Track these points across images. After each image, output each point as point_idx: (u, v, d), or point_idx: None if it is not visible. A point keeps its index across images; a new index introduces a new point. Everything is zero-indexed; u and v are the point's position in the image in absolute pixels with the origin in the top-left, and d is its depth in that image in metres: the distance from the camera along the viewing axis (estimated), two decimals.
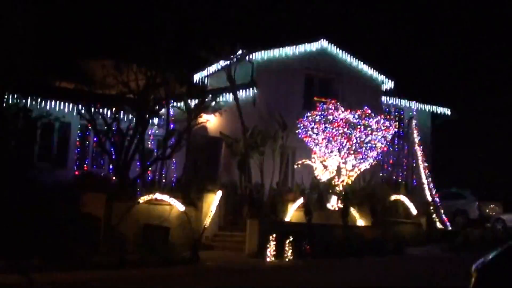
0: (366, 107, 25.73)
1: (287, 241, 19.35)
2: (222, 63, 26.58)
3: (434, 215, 27.95)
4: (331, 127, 24.98)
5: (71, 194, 18.01)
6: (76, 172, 23.11)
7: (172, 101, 23.47)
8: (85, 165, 24.48)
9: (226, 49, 24.87)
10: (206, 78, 30.65)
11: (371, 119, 25.39)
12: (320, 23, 43.33)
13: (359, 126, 25.10)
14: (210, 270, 16.52)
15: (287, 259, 18.88)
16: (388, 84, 31.68)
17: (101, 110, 21.31)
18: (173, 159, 23.73)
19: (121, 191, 19.21)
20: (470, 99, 38.61)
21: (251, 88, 27.32)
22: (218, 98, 24.80)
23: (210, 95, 24.59)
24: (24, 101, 20.83)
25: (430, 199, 29.01)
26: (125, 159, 20.49)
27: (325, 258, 19.33)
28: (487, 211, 31.38)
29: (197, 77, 31.06)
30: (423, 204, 28.02)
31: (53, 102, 23.18)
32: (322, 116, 25.23)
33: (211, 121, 25.66)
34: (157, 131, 24.89)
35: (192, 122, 23.41)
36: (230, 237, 21.17)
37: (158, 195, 19.46)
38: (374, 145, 25.54)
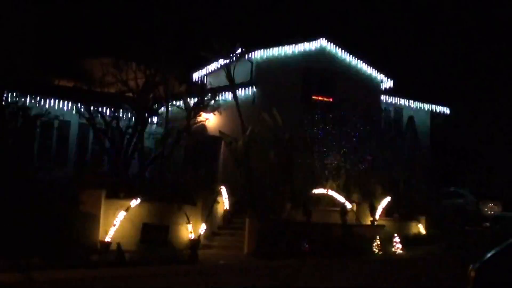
0: (365, 106, 25.75)
1: (286, 240, 19.35)
2: (221, 61, 26.58)
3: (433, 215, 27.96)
4: (331, 126, 24.99)
5: (70, 193, 18.00)
6: (75, 171, 23.10)
7: (171, 99, 23.47)
8: (84, 164, 24.47)
9: (226, 48, 24.88)
10: (205, 77, 30.66)
11: (370, 118, 25.41)
12: (319, 22, 43.39)
13: (358, 125, 25.12)
14: (209, 269, 16.52)
15: (286, 258, 18.86)
16: (387, 83, 31.70)
17: (100, 109, 21.32)
18: (172, 158, 23.72)
19: (120, 190, 19.20)
20: (469, 98, 38.62)
21: (250, 87, 27.34)
22: (217, 97, 24.80)
23: (210, 94, 24.60)
24: (23, 99, 20.83)
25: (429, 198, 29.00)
26: (124, 158, 20.49)
27: (325, 257, 19.33)
28: (486, 210, 31.42)
29: (196, 75, 31.08)
30: (422, 203, 28.00)
31: (52, 101, 23.20)
32: (321, 115, 25.24)
33: (210, 120, 25.65)
34: (156, 130, 24.88)
35: (191, 121, 23.41)
36: (229, 236, 21.17)
37: (158, 194, 19.46)
38: (373, 144, 25.56)
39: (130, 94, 21.66)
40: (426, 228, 26.34)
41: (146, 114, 21.33)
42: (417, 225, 25.96)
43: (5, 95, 19.55)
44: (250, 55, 27.38)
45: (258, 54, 27.74)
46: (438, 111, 35.45)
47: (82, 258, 15.07)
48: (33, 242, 14.78)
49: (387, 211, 25.35)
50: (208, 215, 19.96)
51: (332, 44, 29.98)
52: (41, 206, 16.22)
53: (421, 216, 26.44)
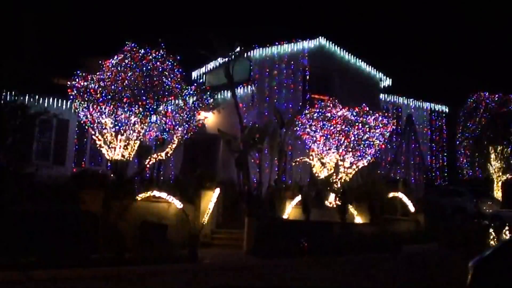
0: (364, 104, 25.75)
1: (285, 238, 19.36)
2: (220, 60, 26.58)
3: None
4: (329, 125, 25.00)
5: (69, 191, 17.99)
6: (74, 170, 23.10)
7: (170, 98, 23.43)
8: (83, 162, 24.47)
9: (224, 46, 24.86)
10: (204, 75, 30.66)
11: (369, 117, 25.41)
12: (318, 20, 43.36)
13: (357, 124, 25.13)
14: (208, 268, 16.52)
15: (285, 257, 18.87)
16: (386, 82, 31.74)
17: (98, 107, 21.26)
18: (171, 157, 23.72)
19: (119, 189, 19.19)
20: (469, 96, 38.60)
21: (249, 86, 27.33)
22: (216, 95, 24.79)
23: (208, 92, 24.59)
24: (22, 98, 20.79)
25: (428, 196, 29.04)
26: (122, 157, 20.47)
27: (323, 255, 19.34)
28: (485, 208, 31.48)
29: (195, 74, 31.08)
30: (421, 202, 28.05)
31: (51, 99, 23.19)
32: (320, 114, 25.26)
33: (209, 118, 25.64)
34: (155, 128, 24.85)
35: (190, 119, 23.39)
36: (228, 234, 21.18)
37: (156, 193, 19.47)
38: (372, 142, 25.57)
39: (129, 93, 21.61)
40: (425, 226, 26.37)
41: (145, 113, 21.27)
42: (416, 223, 25.98)
43: (3, 93, 19.51)
44: (249, 53, 27.38)
45: (257, 53, 27.75)
46: (437, 109, 35.49)
47: (82, 257, 15.06)
48: (32, 240, 14.78)
49: (386, 210, 25.37)
50: (207, 213, 19.96)
51: (331, 42, 30.01)
52: (40, 204, 16.22)
53: (420, 214, 26.46)
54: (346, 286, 14.71)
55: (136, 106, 20.12)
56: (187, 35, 23.07)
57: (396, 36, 46.83)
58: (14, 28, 20.62)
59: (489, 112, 37.75)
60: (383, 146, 26.84)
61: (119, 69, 20.39)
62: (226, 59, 25.36)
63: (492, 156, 37.05)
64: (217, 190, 21.11)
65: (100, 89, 20.05)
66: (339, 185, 25.23)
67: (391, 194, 26.80)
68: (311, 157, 25.82)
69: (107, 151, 20.56)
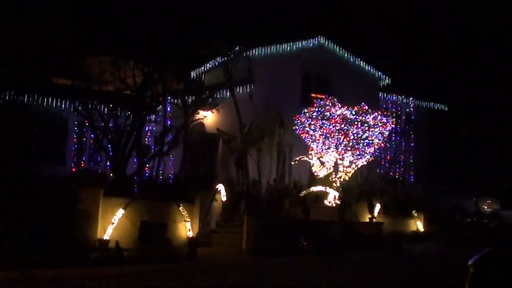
0: (363, 103, 25.76)
1: (285, 237, 19.37)
2: (219, 59, 26.57)
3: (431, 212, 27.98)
4: (328, 124, 25.02)
5: (68, 191, 17.97)
6: (74, 169, 23.10)
7: (169, 97, 23.46)
8: (82, 162, 24.47)
9: (223, 45, 24.87)
10: (203, 75, 30.63)
11: (368, 115, 25.42)
12: (317, 19, 43.37)
13: (356, 123, 25.14)
14: (207, 267, 16.54)
15: (284, 256, 18.89)
16: (385, 80, 31.71)
17: (98, 107, 21.29)
18: (170, 156, 23.74)
19: (119, 188, 19.20)
20: (468, 95, 38.59)
21: (248, 85, 27.33)
22: (215, 95, 24.80)
23: (207, 92, 24.61)
24: (21, 98, 20.81)
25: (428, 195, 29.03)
26: (122, 156, 20.49)
27: (322, 254, 19.36)
28: (484, 207, 31.48)
29: (194, 73, 31.06)
30: (421, 201, 28.05)
31: (50, 99, 23.19)
32: (319, 113, 25.27)
33: (208, 118, 25.67)
34: (154, 128, 24.89)
35: (189, 119, 23.43)
36: (227, 233, 21.17)
37: (157, 192, 19.47)
38: (371, 141, 25.60)
39: (128, 92, 21.64)
40: (425, 225, 26.37)
41: (144, 112, 21.30)
42: (415, 222, 25.98)
43: (4, 93, 19.53)
44: (248, 52, 27.36)
45: (256, 52, 27.73)
46: (436, 108, 35.49)
47: (81, 256, 15.07)
48: (32, 240, 14.79)
49: (385, 209, 25.38)
50: (206, 212, 19.98)
51: (330, 41, 29.98)
52: (39, 203, 16.22)
53: (419, 213, 26.46)
54: (345, 285, 14.71)
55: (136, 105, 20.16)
56: (186, 34, 23.00)
57: (395, 34, 46.77)
58: (14, 28, 20.63)
59: None
60: (382, 145, 26.85)
61: None
62: (225, 58, 25.36)
63: None
64: (216, 189, 21.13)
65: None
66: (338, 184, 25.23)
67: (390, 193, 26.80)
68: (310, 156, 25.84)
69: (108, 150, 20.59)
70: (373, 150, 26.02)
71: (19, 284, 12.58)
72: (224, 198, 21.92)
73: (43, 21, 24.67)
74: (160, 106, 23.02)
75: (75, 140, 24.56)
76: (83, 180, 18.59)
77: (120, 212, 17.79)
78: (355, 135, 25.18)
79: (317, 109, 25.41)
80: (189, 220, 18.84)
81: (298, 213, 21.82)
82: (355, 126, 25.09)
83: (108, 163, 22.40)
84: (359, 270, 17.49)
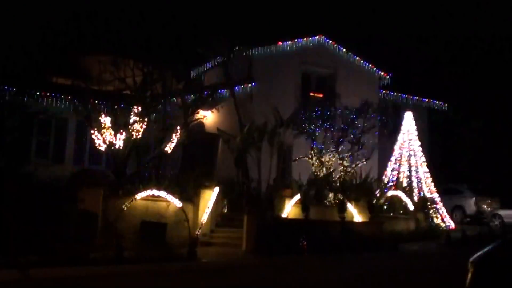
0: (363, 102, 25.75)
1: (285, 237, 19.35)
2: (219, 59, 26.56)
3: (431, 211, 27.95)
4: (328, 123, 25.00)
5: (68, 190, 17.97)
6: (73, 169, 23.08)
7: (169, 97, 23.44)
8: (82, 162, 24.47)
9: (223, 45, 24.86)
10: (203, 74, 30.64)
11: (369, 115, 25.42)
12: (317, 18, 43.36)
13: (356, 122, 25.14)
14: (207, 267, 16.52)
15: (284, 255, 18.87)
16: (385, 79, 31.70)
17: (98, 106, 21.28)
18: (170, 156, 23.70)
19: (118, 187, 19.19)
20: (468, 94, 38.61)
21: (248, 84, 27.31)
22: (215, 94, 24.78)
23: (207, 91, 24.59)
24: (21, 97, 20.80)
25: (428, 195, 28.99)
26: (122, 156, 20.47)
27: (322, 254, 19.34)
28: (484, 206, 31.48)
29: (194, 73, 31.06)
30: (421, 200, 28.04)
31: (50, 98, 23.19)
32: (319, 112, 25.25)
33: (208, 117, 25.66)
34: (154, 127, 24.85)
35: (189, 118, 23.40)
36: (227, 233, 21.16)
37: (155, 192, 19.44)
38: (371, 141, 25.59)
39: (128, 92, 21.63)
40: (425, 225, 26.37)
41: (144, 112, 21.29)
42: (415, 221, 25.97)
43: (3, 92, 19.52)
44: (248, 52, 27.36)
45: (256, 51, 27.72)
46: (436, 107, 35.48)
47: (80, 255, 15.05)
48: (31, 239, 14.77)
49: (385, 208, 25.37)
50: (206, 212, 19.96)
51: (330, 40, 29.98)
52: (39, 203, 16.21)
53: (419, 212, 26.45)
54: (345, 284, 14.71)
55: (136, 105, 20.14)
56: (186, 33, 23.01)
57: (395, 33, 46.78)
58: (13, 28, 20.61)
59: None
60: (382, 144, 26.84)
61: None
62: (225, 57, 25.35)
63: None
64: (216, 189, 21.10)
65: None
66: (338, 184, 25.21)
67: (390, 193, 26.79)
68: (310, 156, 25.81)
69: (106, 150, 20.58)
70: (373, 149, 26.01)
71: (19, 284, 12.58)
72: (224, 198, 21.91)
73: (43, 20, 24.63)
74: (160, 105, 22.99)
75: (75, 140, 24.55)
76: (83, 180, 18.59)
77: (120, 212, 17.79)
78: (355, 134, 25.17)
79: (317, 108, 25.40)
80: (189, 220, 18.83)
81: (298, 213, 21.82)
82: (355, 126, 25.08)
83: (108, 163, 22.38)
84: (359, 269, 17.49)
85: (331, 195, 24.51)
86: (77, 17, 25.41)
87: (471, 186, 33.14)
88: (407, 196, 26.90)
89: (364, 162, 26.13)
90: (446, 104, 35.65)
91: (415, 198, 27.90)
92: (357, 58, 30.68)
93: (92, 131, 20.76)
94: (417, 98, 34.50)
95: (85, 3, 26.38)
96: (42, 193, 17.11)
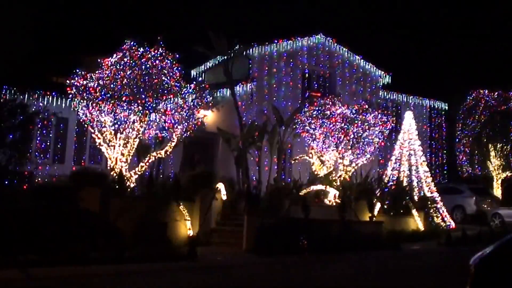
0: (363, 101, 25.76)
1: (285, 236, 19.34)
2: (219, 58, 26.55)
3: (432, 210, 27.94)
4: (329, 122, 24.99)
5: (68, 189, 17.97)
6: (74, 168, 23.08)
7: (169, 96, 23.39)
8: (82, 161, 24.46)
9: (223, 44, 24.83)
10: (203, 73, 30.63)
11: (369, 114, 25.40)
12: (317, 18, 43.33)
13: (356, 121, 25.12)
14: (207, 266, 16.52)
15: (284, 255, 18.86)
16: (386, 79, 31.70)
17: (98, 106, 21.24)
18: (170, 155, 23.69)
19: (119, 187, 19.18)
20: (468, 93, 38.57)
21: (248, 84, 27.30)
22: (215, 93, 24.76)
23: (207, 91, 24.56)
24: (21, 96, 20.79)
25: (428, 194, 28.99)
26: (122, 155, 20.45)
27: (322, 253, 19.34)
28: (485, 206, 31.46)
29: (194, 72, 31.05)
30: (421, 199, 28.03)
31: (50, 98, 23.18)
32: (319, 111, 25.24)
33: (208, 117, 25.62)
34: (154, 127, 24.82)
35: (189, 118, 23.35)
36: (227, 232, 21.15)
37: (155, 191, 19.45)
38: (371, 140, 25.56)
39: (128, 91, 21.60)
40: (425, 224, 26.36)
41: (144, 111, 21.26)
42: (415, 221, 25.97)
43: (3, 92, 19.50)
44: (248, 51, 27.35)
45: (256, 50, 27.73)
46: (436, 106, 35.47)
47: (80, 254, 15.05)
48: (31, 238, 14.76)
49: (385, 208, 25.36)
50: (206, 211, 19.95)
51: (330, 40, 29.97)
52: (39, 202, 16.21)
53: (419, 212, 26.44)
54: (345, 284, 14.70)
55: (136, 104, 20.11)
56: (186, 33, 23.06)
57: (395, 33, 46.77)
58: (13, 27, 20.59)
59: (488, 110, 37.74)
60: (383, 143, 26.83)
61: (118, 67, 20.40)
62: (225, 57, 25.33)
63: (492, 153, 37.02)
64: (216, 188, 21.11)
65: (99, 87, 20.05)
66: (338, 183, 25.21)
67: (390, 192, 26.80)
68: (310, 155, 25.82)
69: (107, 149, 20.58)
70: (373, 148, 26.01)
71: (19, 283, 12.57)
72: (224, 197, 21.88)
73: (43, 20, 24.64)
74: (160, 105, 22.95)
75: (75, 139, 24.55)
76: (84, 179, 18.59)
77: (120, 211, 17.79)
78: (355, 134, 25.16)
79: (317, 108, 25.39)
80: (189, 219, 18.84)
81: (299, 212, 21.80)
82: (355, 125, 25.06)
83: (109, 162, 22.36)
84: (359, 269, 17.48)
85: (331, 194, 24.50)
86: (78, 17, 25.41)
87: (471, 186, 33.15)
88: (407, 195, 26.88)
89: (364, 162, 26.12)
90: (447, 103, 35.64)
91: (416, 198, 27.89)
92: (358, 57, 30.67)
93: (92, 131, 20.74)
94: (417, 97, 34.48)
95: (86, 2, 26.38)
96: (42, 192, 17.11)
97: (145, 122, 20.62)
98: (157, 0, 23.37)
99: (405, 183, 28.61)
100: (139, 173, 21.33)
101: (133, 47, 20.83)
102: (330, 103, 25.45)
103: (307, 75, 29.32)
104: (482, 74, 42.39)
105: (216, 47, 25.07)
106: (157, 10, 23.21)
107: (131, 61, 20.50)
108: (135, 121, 20.48)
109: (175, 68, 21.12)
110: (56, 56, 27.58)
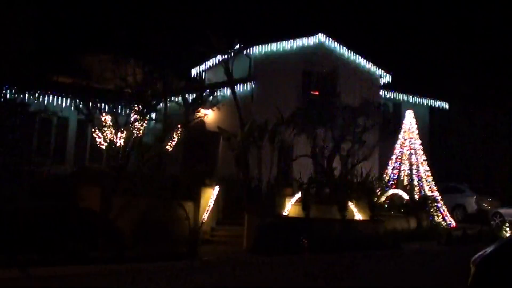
0: (364, 101, 25.74)
1: (285, 235, 19.33)
2: (220, 57, 26.55)
3: (432, 209, 27.94)
4: (329, 122, 24.97)
5: (69, 188, 17.97)
6: (74, 167, 23.10)
7: (170, 95, 23.43)
8: (83, 160, 24.46)
9: (224, 43, 24.83)
10: (204, 73, 30.64)
11: (369, 113, 25.40)
12: (318, 17, 43.31)
13: (357, 120, 25.11)
14: (208, 265, 16.51)
15: (285, 254, 18.85)
16: (386, 78, 31.69)
17: (98, 105, 21.28)
18: (171, 154, 23.69)
19: (119, 186, 19.18)
20: (468, 92, 38.57)
21: (249, 83, 27.30)
22: (216, 93, 24.76)
23: (208, 90, 24.59)
24: (22, 96, 20.79)
25: (428, 193, 28.98)
26: (122, 154, 20.46)
27: (323, 252, 19.33)
28: (485, 205, 31.46)
29: (195, 71, 31.07)
30: (422, 199, 28.03)
31: (51, 97, 23.20)
32: (319, 111, 25.23)
33: (209, 116, 25.65)
34: (155, 126, 24.86)
35: (190, 117, 23.38)
36: (228, 231, 21.16)
37: (156, 189, 19.44)
38: (372, 139, 25.56)
39: (129, 90, 21.63)
40: (426, 224, 26.36)
41: (145, 110, 21.29)
42: (416, 220, 25.96)
43: (3, 91, 19.51)
44: (248, 50, 27.35)
45: (257, 50, 27.72)
46: (437, 106, 35.46)
47: (80, 253, 15.05)
48: (31, 237, 14.76)
49: (386, 207, 25.36)
50: (207, 211, 19.94)
51: (330, 39, 29.96)
52: (39, 201, 16.21)
53: (420, 211, 26.44)
54: (346, 283, 14.69)
55: (136, 103, 20.13)
56: (186, 32, 23.02)
57: (396, 32, 46.77)
58: (13, 26, 20.59)
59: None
60: (383, 143, 26.82)
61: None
62: (226, 56, 25.32)
63: None
64: (217, 187, 21.11)
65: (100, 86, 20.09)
66: (339, 182, 25.17)
67: (391, 191, 26.78)
68: (310, 154, 25.78)
69: (107, 148, 20.58)
70: (373, 148, 25.99)
71: (18, 282, 12.56)
72: (225, 197, 21.91)
73: (44, 19, 24.64)
74: (161, 104, 22.99)
75: (75, 138, 24.56)
76: (84, 179, 18.59)
77: (121, 210, 17.79)
78: (356, 133, 25.15)
79: (317, 107, 25.39)
80: (189, 218, 18.81)
81: (299, 211, 21.82)
82: (356, 124, 25.05)
83: (109, 161, 22.38)
84: (359, 268, 17.47)
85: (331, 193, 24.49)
86: (78, 16, 25.43)
87: (472, 185, 33.15)
88: (408, 194, 26.89)
89: (365, 161, 26.10)
90: (447, 103, 35.63)
91: (416, 197, 27.89)
92: (358, 57, 30.65)
93: (92, 130, 20.75)
94: (418, 96, 34.47)
95: (86, 2, 26.39)
96: (42, 192, 17.11)
97: (146, 121, 20.62)
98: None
99: (405, 182, 28.61)
100: (140, 172, 21.33)
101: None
102: (330, 102, 25.45)
103: (307, 75, 29.28)
104: (483, 73, 42.36)
105: (216, 47, 25.07)
106: (158, 9, 23.18)
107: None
108: (136, 119, 20.49)
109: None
110: (57, 55, 27.56)
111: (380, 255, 20.30)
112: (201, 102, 23.85)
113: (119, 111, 21.84)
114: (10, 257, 13.62)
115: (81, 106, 21.06)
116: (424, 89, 35.32)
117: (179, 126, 22.49)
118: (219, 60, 27.08)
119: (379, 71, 31.34)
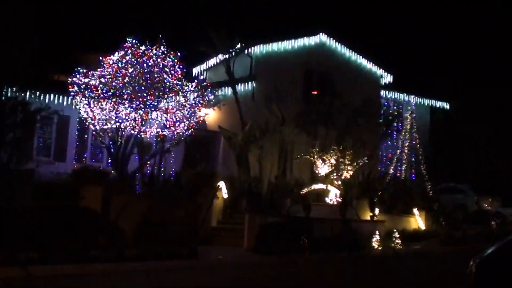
0: (365, 101, 25.74)
1: (286, 235, 19.33)
2: (221, 57, 26.54)
3: (433, 210, 27.93)
4: (330, 121, 24.99)
5: (69, 188, 17.97)
6: (75, 166, 23.08)
7: (171, 94, 23.39)
8: (83, 159, 24.46)
9: (225, 43, 24.82)
10: (205, 72, 30.62)
11: (370, 113, 25.42)
12: (319, 16, 43.28)
13: (357, 120, 25.13)
14: (208, 265, 16.51)
15: (285, 254, 18.85)
16: (387, 78, 31.65)
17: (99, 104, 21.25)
18: (172, 153, 23.69)
19: (120, 185, 19.18)
20: (469, 92, 38.53)
21: (250, 82, 27.28)
22: (217, 92, 24.75)
23: (209, 89, 24.55)
24: (23, 94, 20.78)
25: (429, 193, 28.97)
26: (123, 153, 20.45)
27: (323, 252, 19.33)
28: (486, 205, 31.44)
29: (196, 70, 31.03)
30: (422, 198, 28.01)
31: (52, 96, 23.18)
32: (320, 110, 25.23)
33: (210, 115, 25.61)
34: (155, 125, 24.82)
35: (191, 116, 23.34)
36: (228, 231, 21.15)
37: (156, 189, 19.46)
38: (372, 139, 25.58)
39: (130, 89, 21.60)
40: (426, 224, 26.35)
41: (146, 109, 21.27)
42: (416, 220, 25.95)
43: (4, 90, 19.50)
44: (249, 50, 27.33)
45: (258, 49, 27.70)
46: (438, 106, 35.43)
47: (81, 252, 15.05)
48: (32, 236, 14.76)
49: (386, 207, 25.35)
50: (207, 210, 19.95)
51: (332, 39, 29.93)
52: (40, 200, 16.20)
53: (420, 211, 26.43)
54: (346, 283, 14.70)
55: (137, 102, 20.11)
56: (187, 31, 23.05)
57: (397, 32, 46.76)
58: (14, 25, 20.58)
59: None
60: (384, 143, 26.83)
61: (119, 65, 20.44)
62: (227, 55, 25.32)
63: None
64: (218, 187, 21.12)
65: (101, 85, 20.07)
66: (339, 182, 25.19)
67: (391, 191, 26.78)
68: (311, 154, 25.78)
69: (108, 147, 20.58)
70: (374, 148, 26.01)
71: (20, 281, 12.57)
72: (225, 196, 21.90)
73: (45, 17, 24.62)
74: (162, 103, 22.96)
75: (76, 137, 24.54)
76: (85, 178, 18.59)
77: (122, 209, 17.78)
78: (357, 132, 25.17)
79: (318, 107, 25.41)
80: (190, 218, 18.82)
81: (300, 211, 21.79)
82: (357, 124, 25.08)
83: (110, 161, 22.36)
84: (360, 268, 17.47)
85: (332, 193, 24.50)
86: (79, 15, 25.42)
87: (473, 185, 33.12)
88: (408, 194, 26.88)
89: (366, 160, 26.10)
90: (448, 103, 35.59)
91: (417, 197, 27.87)
92: (359, 56, 30.63)
93: (93, 129, 20.74)
94: (418, 96, 34.45)
95: (87, 0, 26.39)
96: (43, 190, 17.10)
97: (147, 120, 20.62)
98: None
99: (406, 182, 28.60)
100: (140, 171, 21.36)
101: (135, 45, 20.89)
102: (331, 102, 25.45)
103: (308, 74, 29.24)
104: (484, 73, 42.34)
105: (217, 46, 25.07)
106: (159, 8, 23.21)
107: (133, 59, 20.54)
108: (137, 119, 20.48)
109: (176, 67, 21.14)
110: (58, 54, 27.59)
111: (380, 254, 20.32)
112: (202, 101, 23.84)
113: (120, 110, 21.82)
114: (11, 255, 13.62)
115: (81, 105, 21.03)
116: (425, 89, 35.28)
117: (180, 125, 22.47)
118: (220, 60, 27.06)
119: (380, 71, 31.32)
